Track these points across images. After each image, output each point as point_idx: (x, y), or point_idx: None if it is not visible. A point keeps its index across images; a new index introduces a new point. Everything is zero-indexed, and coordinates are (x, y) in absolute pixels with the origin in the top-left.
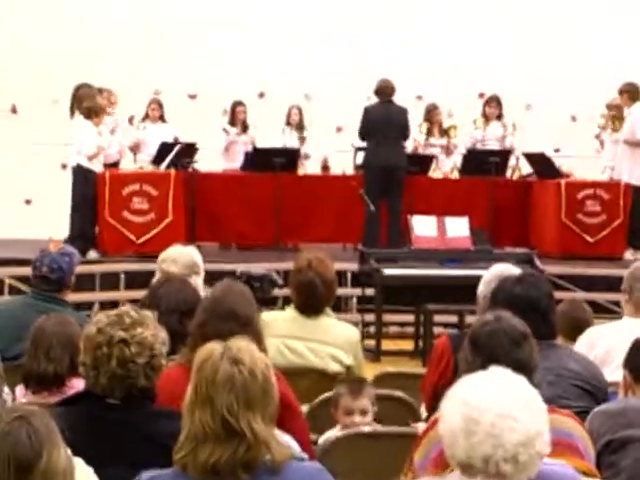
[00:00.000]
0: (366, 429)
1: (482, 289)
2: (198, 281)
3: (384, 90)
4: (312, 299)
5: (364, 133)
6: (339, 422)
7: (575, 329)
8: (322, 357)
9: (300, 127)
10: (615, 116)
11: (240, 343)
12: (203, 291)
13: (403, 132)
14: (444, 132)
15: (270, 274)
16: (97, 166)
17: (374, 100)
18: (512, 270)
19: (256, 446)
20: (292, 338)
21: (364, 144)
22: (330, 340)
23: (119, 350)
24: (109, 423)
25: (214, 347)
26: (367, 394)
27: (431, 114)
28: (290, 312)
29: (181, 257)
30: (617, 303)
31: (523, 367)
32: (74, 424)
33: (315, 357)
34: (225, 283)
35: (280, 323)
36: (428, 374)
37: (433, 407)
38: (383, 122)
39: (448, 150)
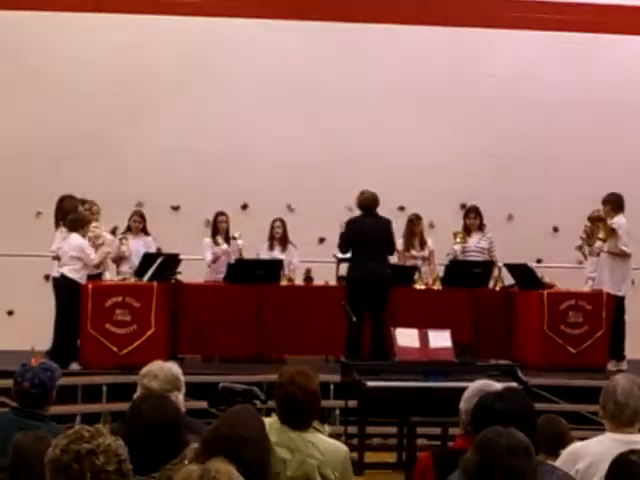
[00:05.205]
0: None
1: (463, 405)
2: (179, 397)
3: (368, 202)
4: (295, 413)
5: (346, 245)
6: None
7: (554, 444)
8: (309, 469)
9: (284, 240)
10: (598, 227)
11: (218, 465)
12: (184, 407)
13: (387, 245)
14: (425, 243)
15: (252, 389)
16: (81, 277)
17: (355, 211)
18: (493, 385)
19: None
20: (279, 446)
21: (347, 255)
22: (317, 454)
23: (89, 462)
24: None
25: (192, 469)
26: None
27: (413, 225)
28: (276, 422)
29: (162, 372)
30: None
31: None
32: None
33: (300, 467)
34: (238, 406)
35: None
36: None
37: None
38: (367, 235)
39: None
